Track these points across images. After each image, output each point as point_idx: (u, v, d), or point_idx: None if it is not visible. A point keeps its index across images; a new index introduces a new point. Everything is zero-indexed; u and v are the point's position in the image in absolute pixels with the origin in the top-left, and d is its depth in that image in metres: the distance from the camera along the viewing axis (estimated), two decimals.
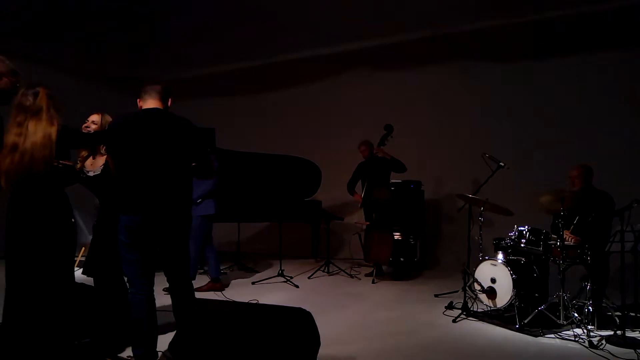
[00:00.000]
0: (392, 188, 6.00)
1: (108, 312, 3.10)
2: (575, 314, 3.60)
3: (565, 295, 3.64)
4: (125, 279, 2.96)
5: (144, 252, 2.66)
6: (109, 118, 3.13)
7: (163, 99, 2.77)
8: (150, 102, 2.73)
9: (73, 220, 2.78)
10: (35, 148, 2.52)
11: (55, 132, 2.58)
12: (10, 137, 2.54)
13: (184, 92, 7.49)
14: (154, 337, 2.71)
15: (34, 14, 6.14)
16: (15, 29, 6.49)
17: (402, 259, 5.83)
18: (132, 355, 2.78)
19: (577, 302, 3.83)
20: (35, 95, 2.60)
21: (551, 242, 3.90)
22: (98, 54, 7.86)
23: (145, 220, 2.61)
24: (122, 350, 3.03)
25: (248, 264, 6.44)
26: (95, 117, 3.19)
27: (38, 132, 2.53)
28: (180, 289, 2.82)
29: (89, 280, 3.23)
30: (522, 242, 3.98)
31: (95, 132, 3.06)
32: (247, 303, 3.71)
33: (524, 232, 3.99)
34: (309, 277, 5.74)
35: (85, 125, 3.16)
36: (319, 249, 6.98)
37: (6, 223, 2.65)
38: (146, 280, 2.69)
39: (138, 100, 2.81)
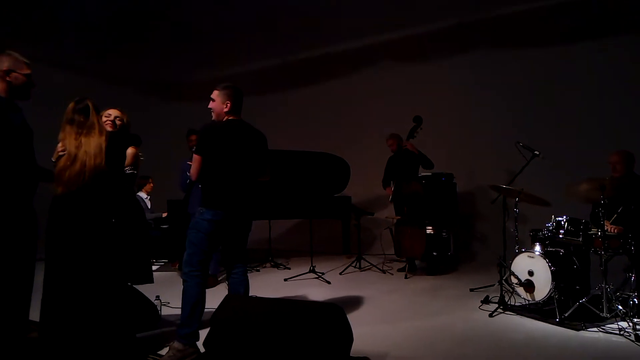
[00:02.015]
0: (423, 181, 5.91)
1: (141, 310, 3.17)
2: (620, 307, 3.46)
3: (608, 287, 3.50)
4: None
5: (214, 244, 3.04)
6: None
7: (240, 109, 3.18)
8: (235, 114, 3.13)
9: (113, 220, 2.87)
10: (88, 157, 2.73)
11: (104, 141, 2.79)
12: (72, 150, 2.74)
13: (207, 93, 7.56)
14: (201, 319, 2.95)
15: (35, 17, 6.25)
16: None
17: (434, 254, 5.75)
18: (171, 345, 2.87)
19: (621, 294, 3.68)
20: (86, 113, 2.79)
21: (591, 232, 3.76)
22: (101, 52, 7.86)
23: (227, 217, 2.99)
24: (162, 347, 3.10)
25: (280, 261, 6.49)
26: (117, 113, 3.20)
27: (91, 142, 2.76)
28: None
29: None
30: (560, 233, 3.85)
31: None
32: (280, 299, 3.74)
33: (562, 222, 3.86)
34: (340, 273, 5.74)
35: (108, 119, 3.13)
36: (350, 244, 6.96)
37: (47, 225, 2.75)
38: (206, 267, 3.04)
39: (222, 104, 3.09)
